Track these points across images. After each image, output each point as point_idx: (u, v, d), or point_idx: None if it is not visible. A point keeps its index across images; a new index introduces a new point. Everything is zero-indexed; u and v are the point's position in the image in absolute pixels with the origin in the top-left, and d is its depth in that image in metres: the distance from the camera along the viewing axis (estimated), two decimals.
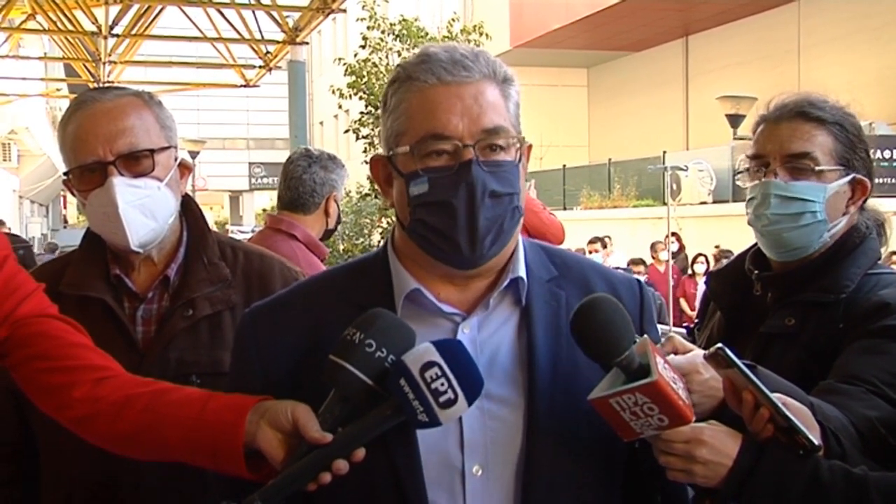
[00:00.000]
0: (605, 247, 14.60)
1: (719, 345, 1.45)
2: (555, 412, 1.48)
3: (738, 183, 2.20)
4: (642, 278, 11.82)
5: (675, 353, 1.55)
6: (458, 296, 1.53)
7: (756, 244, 2.17)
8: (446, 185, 1.43)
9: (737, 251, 2.29)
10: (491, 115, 1.44)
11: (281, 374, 1.51)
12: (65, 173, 1.99)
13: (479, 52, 1.49)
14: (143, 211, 1.93)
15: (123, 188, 1.90)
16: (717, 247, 13.33)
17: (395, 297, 1.51)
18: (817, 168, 1.98)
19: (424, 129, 1.44)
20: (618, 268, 10.69)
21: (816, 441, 1.46)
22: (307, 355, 1.49)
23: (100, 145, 1.90)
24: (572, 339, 1.47)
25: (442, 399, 1.35)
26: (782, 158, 2.00)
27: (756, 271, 2.12)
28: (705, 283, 2.41)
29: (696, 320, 2.43)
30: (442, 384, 1.34)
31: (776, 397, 1.44)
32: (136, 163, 1.93)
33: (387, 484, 1.44)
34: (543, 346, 1.51)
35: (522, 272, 1.54)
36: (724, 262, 2.76)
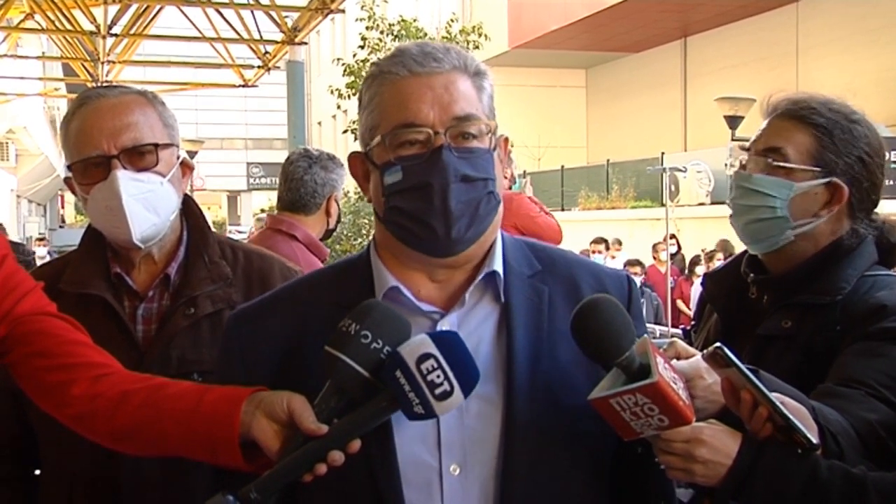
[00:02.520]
0: (607, 248, 14.54)
1: (718, 344, 1.45)
2: (534, 410, 1.47)
3: (728, 174, 2.22)
4: (639, 279, 11.83)
5: (678, 358, 1.54)
6: (437, 293, 1.53)
7: None
8: (419, 171, 1.44)
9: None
10: (462, 103, 1.46)
11: (263, 375, 1.51)
12: (67, 167, 1.99)
13: (450, 47, 1.52)
14: (146, 205, 1.93)
15: (127, 181, 1.91)
16: (703, 250, 13.31)
17: (375, 296, 1.51)
18: (784, 164, 1.98)
19: (396, 120, 1.46)
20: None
21: (814, 440, 1.46)
22: (290, 356, 1.49)
23: (104, 139, 1.91)
24: (554, 336, 1.48)
25: (438, 391, 1.34)
26: (756, 152, 2.04)
27: (752, 274, 2.12)
28: (701, 284, 2.41)
29: (692, 322, 2.43)
30: (438, 376, 1.34)
31: (774, 396, 1.45)
32: (140, 157, 1.94)
33: (362, 483, 1.44)
34: (523, 343, 1.50)
35: (499, 266, 1.54)
36: (718, 262, 2.76)
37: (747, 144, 2.11)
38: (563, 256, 1.66)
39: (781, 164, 1.98)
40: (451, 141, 1.45)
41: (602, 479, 1.56)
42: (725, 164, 2.29)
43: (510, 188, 6.13)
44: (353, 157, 1.58)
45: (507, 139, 1.57)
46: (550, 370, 1.49)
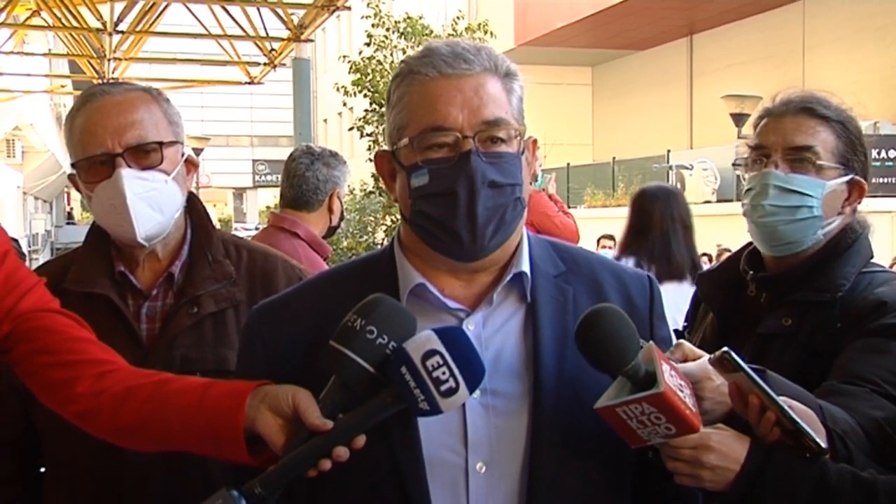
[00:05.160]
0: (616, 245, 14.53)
1: (725, 348, 1.44)
2: (561, 410, 1.47)
3: (737, 173, 2.19)
4: None
5: (685, 360, 1.53)
6: (462, 291, 1.52)
7: (749, 244, 2.16)
8: (446, 176, 1.43)
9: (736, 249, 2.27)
10: (491, 107, 1.45)
11: (286, 371, 1.50)
12: (72, 165, 1.99)
13: (481, 47, 1.50)
14: (151, 203, 1.93)
15: (132, 180, 1.90)
16: (718, 245, 13.30)
17: (399, 292, 1.51)
18: (818, 162, 1.97)
19: (425, 122, 1.45)
20: None
21: (823, 444, 1.45)
22: (312, 352, 1.48)
23: (108, 137, 1.90)
24: None
25: (443, 388, 1.34)
26: (784, 150, 2.00)
27: (751, 272, 2.11)
28: (696, 284, 2.39)
29: (685, 323, 2.41)
30: (443, 372, 1.34)
31: (782, 400, 1.44)
32: (145, 155, 1.94)
33: (389, 481, 1.44)
34: (549, 343, 1.50)
35: (526, 267, 1.53)
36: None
37: (752, 142, 2.08)
38: (585, 257, 1.66)
39: (818, 162, 1.97)
40: (480, 145, 1.44)
41: (625, 479, 1.55)
42: (734, 164, 2.23)
43: (531, 184, 6.11)
44: (379, 155, 1.57)
45: (535, 141, 1.55)
46: (576, 369, 1.48)
